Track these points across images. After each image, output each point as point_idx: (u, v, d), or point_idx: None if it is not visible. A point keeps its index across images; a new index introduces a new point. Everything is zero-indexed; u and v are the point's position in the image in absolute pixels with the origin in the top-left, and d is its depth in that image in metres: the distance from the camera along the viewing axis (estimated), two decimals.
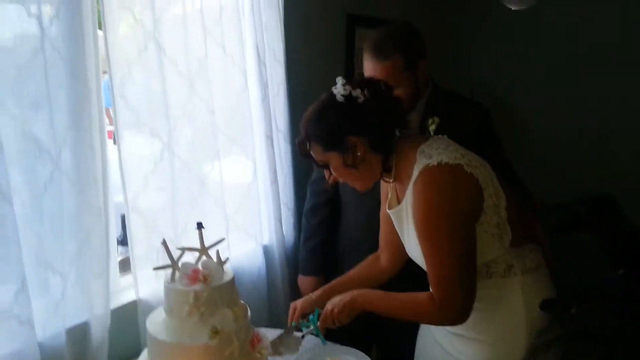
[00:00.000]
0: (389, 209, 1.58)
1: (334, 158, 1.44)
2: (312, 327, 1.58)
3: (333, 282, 1.73)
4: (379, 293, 1.55)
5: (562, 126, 3.01)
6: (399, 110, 1.46)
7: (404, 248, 1.61)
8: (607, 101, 2.91)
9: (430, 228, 1.36)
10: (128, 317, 1.71)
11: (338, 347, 1.67)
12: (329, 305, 1.55)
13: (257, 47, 2.04)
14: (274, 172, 2.14)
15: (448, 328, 1.55)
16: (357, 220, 2.04)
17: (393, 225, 1.61)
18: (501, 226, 1.41)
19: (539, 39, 3.06)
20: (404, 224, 1.51)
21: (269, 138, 2.10)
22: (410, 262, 1.61)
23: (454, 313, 1.38)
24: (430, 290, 1.41)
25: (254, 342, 1.41)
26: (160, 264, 1.39)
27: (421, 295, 1.45)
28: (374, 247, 1.97)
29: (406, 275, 1.66)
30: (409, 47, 1.79)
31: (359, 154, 1.42)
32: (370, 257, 1.75)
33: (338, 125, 1.41)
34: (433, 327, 1.64)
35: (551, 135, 3.05)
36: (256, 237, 2.14)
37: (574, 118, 2.99)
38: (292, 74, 2.22)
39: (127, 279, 1.85)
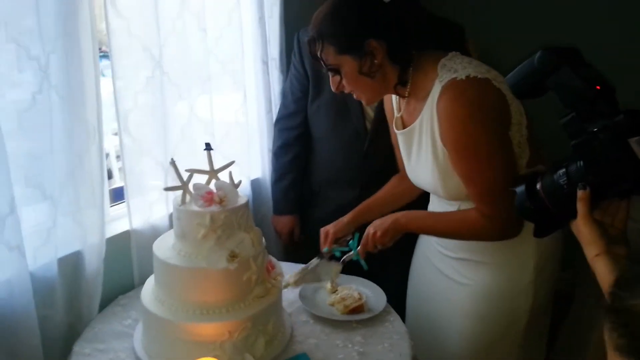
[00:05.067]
0: (395, 129, 1.49)
1: (348, 62, 1.32)
2: (352, 253, 1.52)
3: (362, 205, 1.65)
4: (423, 212, 1.49)
5: None
6: (423, 19, 1.36)
7: None
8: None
9: (466, 142, 1.28)
10: (120, 248, 1.59)
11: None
12: (370, 229, 1.49)
13: None
14: (269, 101, 2.01)
15: (447, 252, 1.52)
16: (331, 154, 1.96)
17: None
18: (522, 145, 1.36)
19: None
20: (414, 145, 1.43)
21: (265, 63, 1.96)
22: None
23: (509, 225, 1.33)
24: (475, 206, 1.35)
25: (269, 268, 1.33)
26: (170, 184, 1.27)
27: (469, 212, 1.37)
28: (350, 179, 1.91)
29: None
30: None
31: (376, 61, 1.31)
32: (395, 178, 1.67)
33: (359, 25, 1.29)
34: (428, 251, 1.61)
35: None
36: (242, 169, 2.02)
37: None
38: None
39: (115, 209, 1.73)
